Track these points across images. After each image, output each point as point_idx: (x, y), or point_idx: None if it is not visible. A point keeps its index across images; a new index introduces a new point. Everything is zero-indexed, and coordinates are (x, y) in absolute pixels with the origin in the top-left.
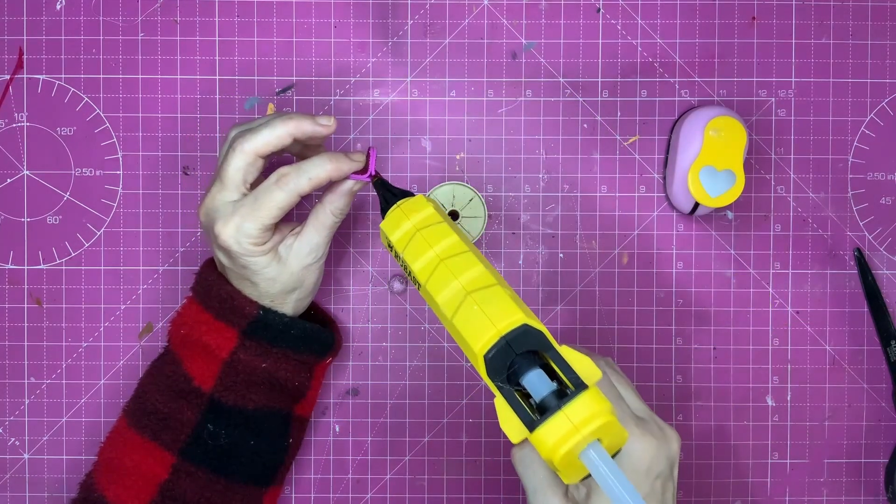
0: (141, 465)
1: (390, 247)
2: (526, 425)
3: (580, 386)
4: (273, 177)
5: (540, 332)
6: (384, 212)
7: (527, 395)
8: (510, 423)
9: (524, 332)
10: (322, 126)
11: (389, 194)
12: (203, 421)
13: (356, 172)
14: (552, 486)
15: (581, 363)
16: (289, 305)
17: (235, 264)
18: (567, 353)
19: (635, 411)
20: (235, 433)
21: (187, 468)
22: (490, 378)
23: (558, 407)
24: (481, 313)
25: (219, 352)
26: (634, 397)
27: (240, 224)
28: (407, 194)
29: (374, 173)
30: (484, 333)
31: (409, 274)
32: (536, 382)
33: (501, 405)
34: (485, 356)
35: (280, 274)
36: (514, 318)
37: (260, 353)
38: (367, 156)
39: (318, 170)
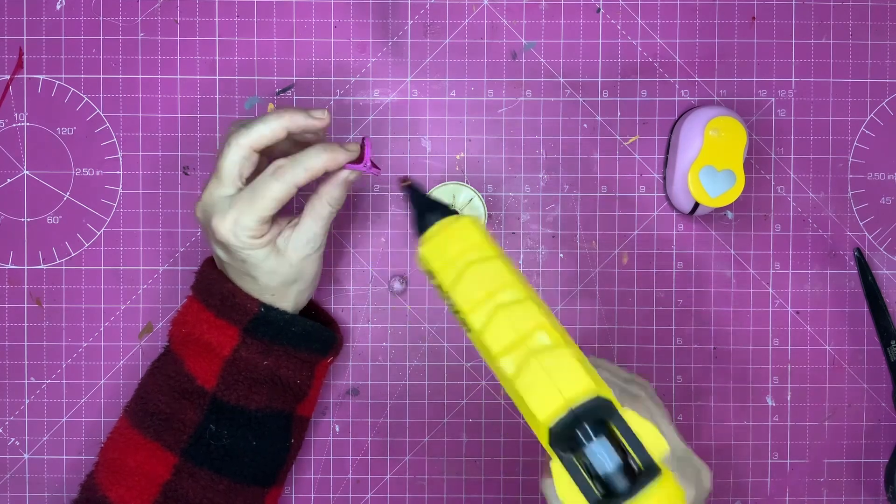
0: (143, 465)
1: (430, 273)
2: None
3: (652, 469)
4: (270, 169)
5: (609, 403)
6: (419, 226)
7: (582, 456)
8: (570, 493)
9: (594, 403)
10: (316, 119)
11: (424, 206)
12: (205, 421)
13: (352, 162)
14: None
15: (648, 434)
16: (290, 299)
17: (234, 259)
18: (632, 420)
19: (674, 450)
20: (238, 433)
21: (190, 469)
22: (551, 447)
23: (630, 494)
24: (548, 379)
25: (220, 350)
26: (672, 431)
27: (237, 217)
28: (445, 208)
29: (404, 177)
30: (550, 402)
31: (457, 313)
32: (601, 455)
33: (559, 472)
34: (551, 429)
35: (279, 266)
36: (584, 386)
37: (261, 350)
38: (362, 145)
39: (313, 160)
